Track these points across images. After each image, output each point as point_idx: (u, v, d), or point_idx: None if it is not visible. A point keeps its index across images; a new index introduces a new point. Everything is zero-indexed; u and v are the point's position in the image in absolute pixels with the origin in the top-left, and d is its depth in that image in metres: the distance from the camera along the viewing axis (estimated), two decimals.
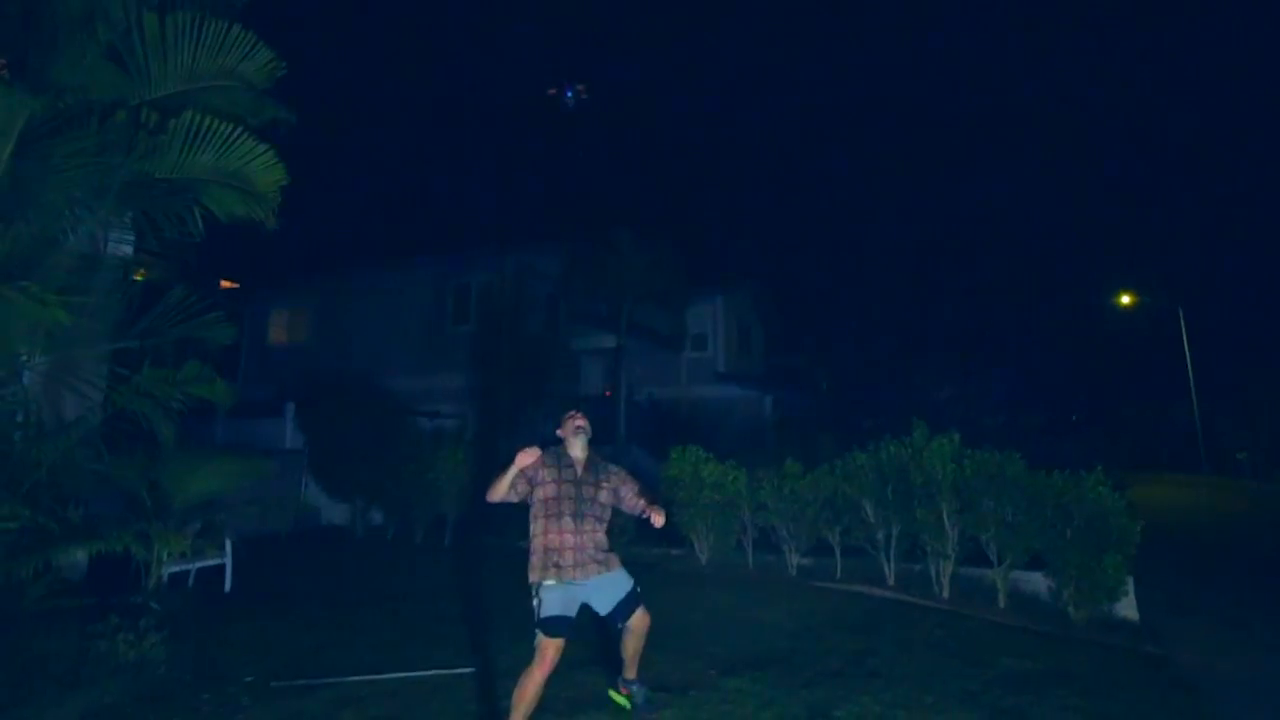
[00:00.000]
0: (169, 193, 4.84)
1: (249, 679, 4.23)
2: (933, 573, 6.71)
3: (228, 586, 6.59)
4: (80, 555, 5.44)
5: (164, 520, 5.48)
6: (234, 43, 4.66)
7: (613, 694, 3.87)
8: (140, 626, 4.34)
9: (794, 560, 7.54)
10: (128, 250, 6.49)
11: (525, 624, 5.42)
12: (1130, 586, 6.13)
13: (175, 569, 6.08)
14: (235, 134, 4.79)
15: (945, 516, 6.53)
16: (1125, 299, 28.73)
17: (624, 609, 3.57)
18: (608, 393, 18.13)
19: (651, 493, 3.80)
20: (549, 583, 3.43)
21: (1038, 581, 6.58)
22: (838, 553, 7.37)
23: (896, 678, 4.36)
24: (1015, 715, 3.82)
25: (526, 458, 3.53)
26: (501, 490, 3.56)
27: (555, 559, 3.47)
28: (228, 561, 6.64)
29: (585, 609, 3.58)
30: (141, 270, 7.74)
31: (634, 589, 3.63)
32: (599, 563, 3.55)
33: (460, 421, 13.59)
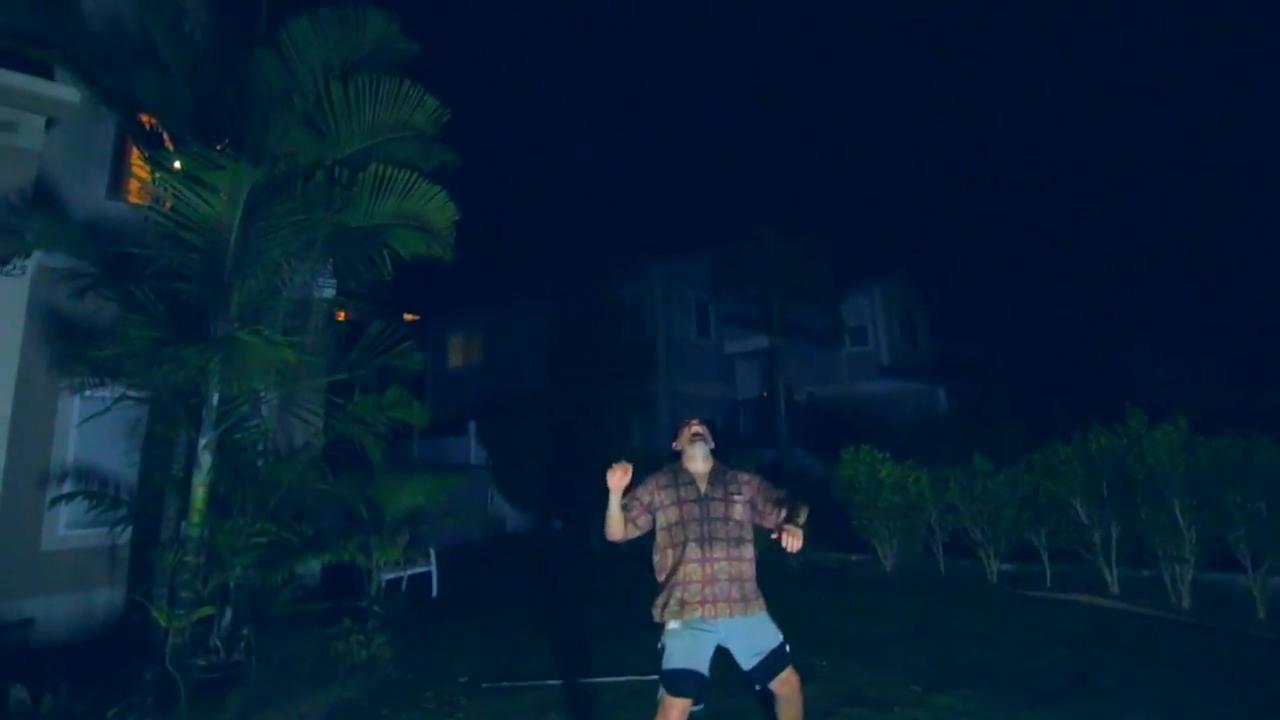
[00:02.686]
0: (362, 239, 5.38)
1: (463, 679, 4.56)
2: (1167, 580, 5.84)
3: (434, 591, 7.20)
4: (315, 565, 6.20)
5: (379, 532, 6.08)
6: (405, 96, 5.10)
7: None
8: (369, 629, 4.84)
9: (993, 566, 6.91)
10: (330, 293, 7.35)
11: None
12: None
13: (390, 576, 6.73)
14: (412, 180, 5.24)
15: (1179, 514, 5.67)
16: None
17: (767, 668, 2.85)
18: (765, 395, 17.81)
19: (793, 499, 3.08)
20: (672, 625, 2.85)
21: None
22: (1045, 558, 6.65)
23: (1139, 700, 3.81)
24: None
25: (617, 477, 2.86)
26: (617, 526, 2.96)
27: (680, 595, 2.87)
28: (433, 569, 7.27)
29: (724, 654, 2.92)
30: (342, 311, 8.73)
31: (782, 645, 2.89)
32: (734, 600, 2.87)
33: (624, 430, 13.95)
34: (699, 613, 2.83)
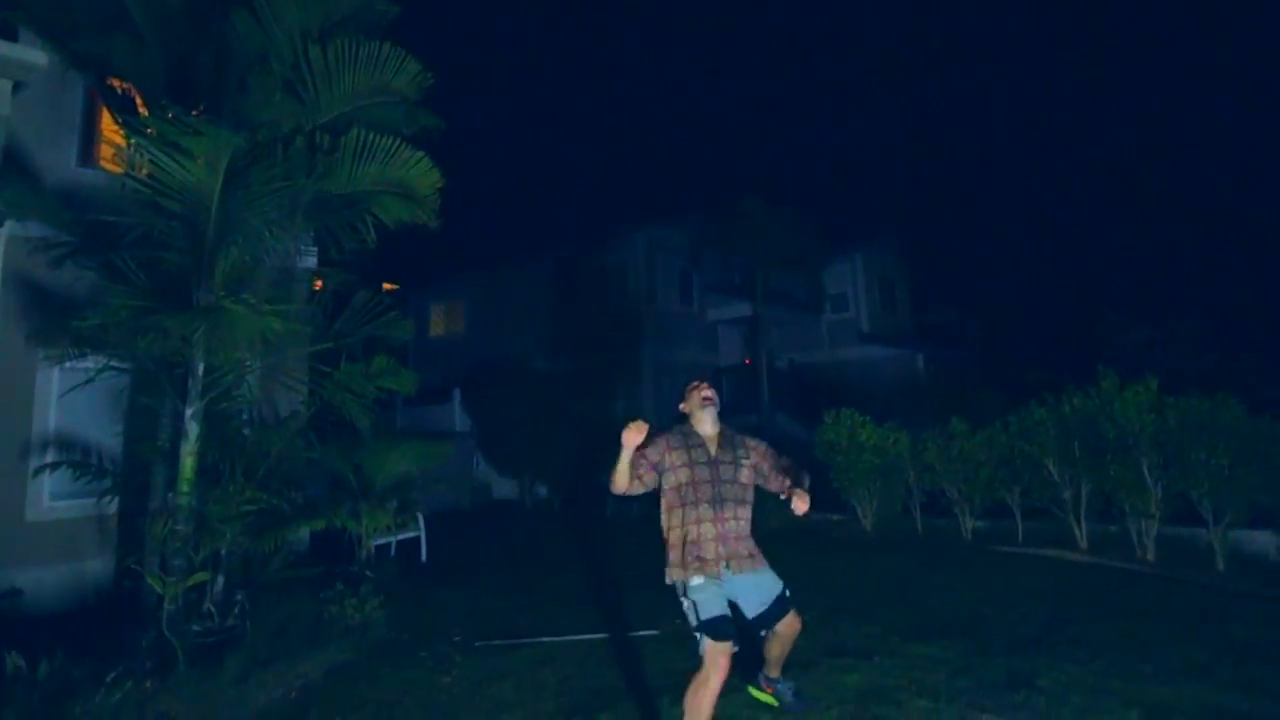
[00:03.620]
0: (345, 206, 5.32)
1: (456, 638, 4.67)
2: (1133, 534, 6.09)
3: (424, 556, 7.30)
4: (304, 532, 6.25)
5: (368, 499, 6.14)
6: (386, 59, 5.00)
7: (754, 692, 3.43)
8: (361, 593, 4.92)
9: (968, 524, 7.14)
10: (313, 262, 7.27)
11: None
12: None
13: (379, 541, 6.80)
14: (395, 145, 5.17)
15: (1146, 472, 5.89)
16: None
17: (774, 613, 3.05)
18: (747, 361, 17.97)
19: (798, 467, 3.25)
20: (696, 581, 2.97)
21: (1265, 541, 5.82)
22: (1018, 515, 6.89)
23: (1105, 645, 4.01)
24: (1258, 691, 3.38)
25: (633, 435, 2.95)
26: (623, 481, 3.04)
27: (696, 553, 3.01)
28: (422, 534, 7.36)
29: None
30: (319, 279, 8.65)
31: (784, 591, 3.09)
32: (744, 557, 3.05)
33: (608, 397, 14.03)
34: (717, 570, 2.99)
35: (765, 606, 3.04)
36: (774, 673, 3.35)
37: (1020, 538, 6.79)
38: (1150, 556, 5.95)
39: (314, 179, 5.00)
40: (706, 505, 3.05)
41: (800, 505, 2.99)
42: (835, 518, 8.04)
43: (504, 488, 11.87)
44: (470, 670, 4.13)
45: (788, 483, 3.17)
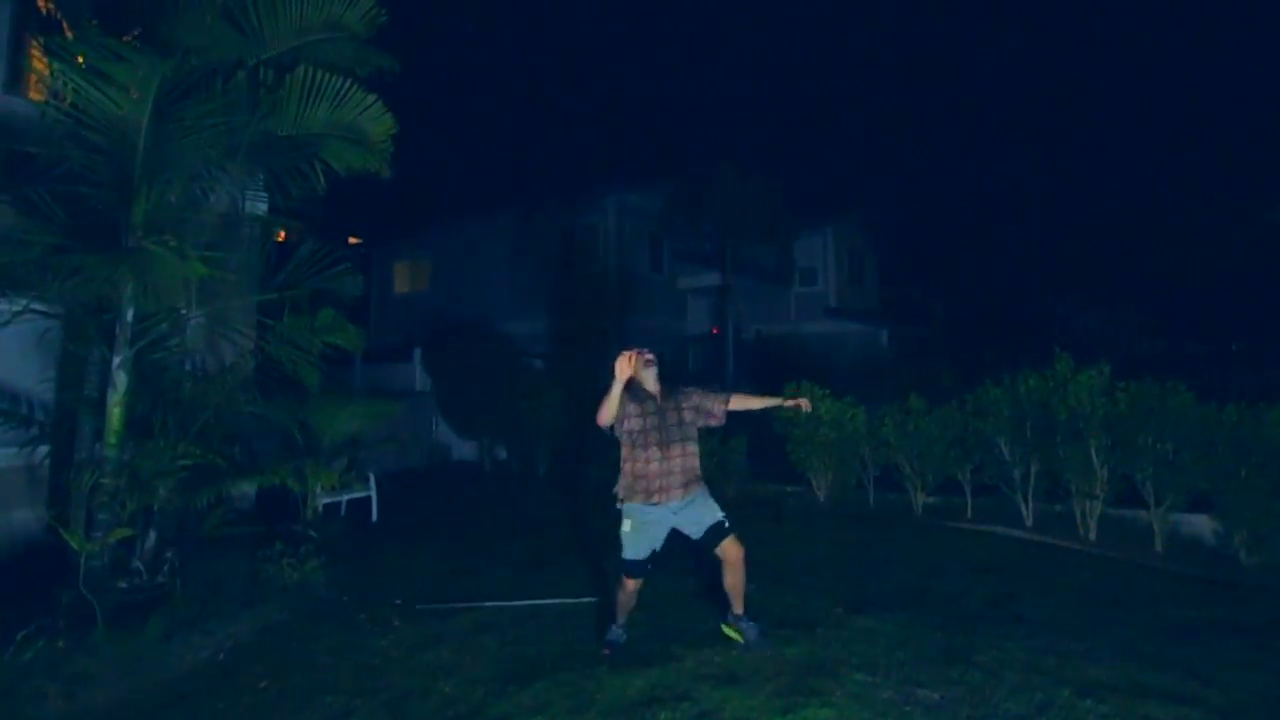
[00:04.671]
0: (291, 149, 5.03)
1: (398, 601, 4.57)
2: (1078, 514, 6.21)
3: (374, 516, 7.16)
4: (249, 488, 6.05)
5: (315, 457, 5.96)
6: None
7: (725, 628, 3.84)
8: (301, 552, 4.78)
9: (920, 499, 7.22)
10: (262, 209, 6.92)
11: None
12: None
13: (328, 500, 6.64)
14: (346, 86, 4.90)
15: (1094, 454, 5.98)
16: None
17: (712, 538, 3.64)
18: (715, 331, 17.93)
19: (732, 392, 3.94)
20: (634, 504, 3.63)
21: (1201, 524, 5.96)
22: (968, 492, 6.98)
23: (1042, 623, 4.08)
24: (1183, 668, 3.46)
25: (625, 365, 3.43)
26: (613, 409, 3.48)
27: (643, 485, 3.62)
28: (373, 494, 7.21)
29: (677, 535, 3.72)
30: (281, 230, 8.28)
31: (723, 519, 3.68)
32: (684, 486, 3.66)
33: (572, 361, 13.90)
34: (658, 499, 3.61)
35: (705, 528, 3.64)
36: (737, 608, 3.76)
37: (969, 513, 6.90)
38: (1093, 536, 6.08)
39: (257, 117, 4.71)
40: (655, 447, 3.64)
41: (804, 403, 3.99)
42: (790, 489, 8.07)
43: (463, 449, 11.71)
44: (408, 633, 4.04)
45: (728, 397, 3.86)
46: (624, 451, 3.75)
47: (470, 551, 5.95)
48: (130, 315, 4.26)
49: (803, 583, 4.81)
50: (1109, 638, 3.87)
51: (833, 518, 7.11)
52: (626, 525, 3.67)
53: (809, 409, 4.04)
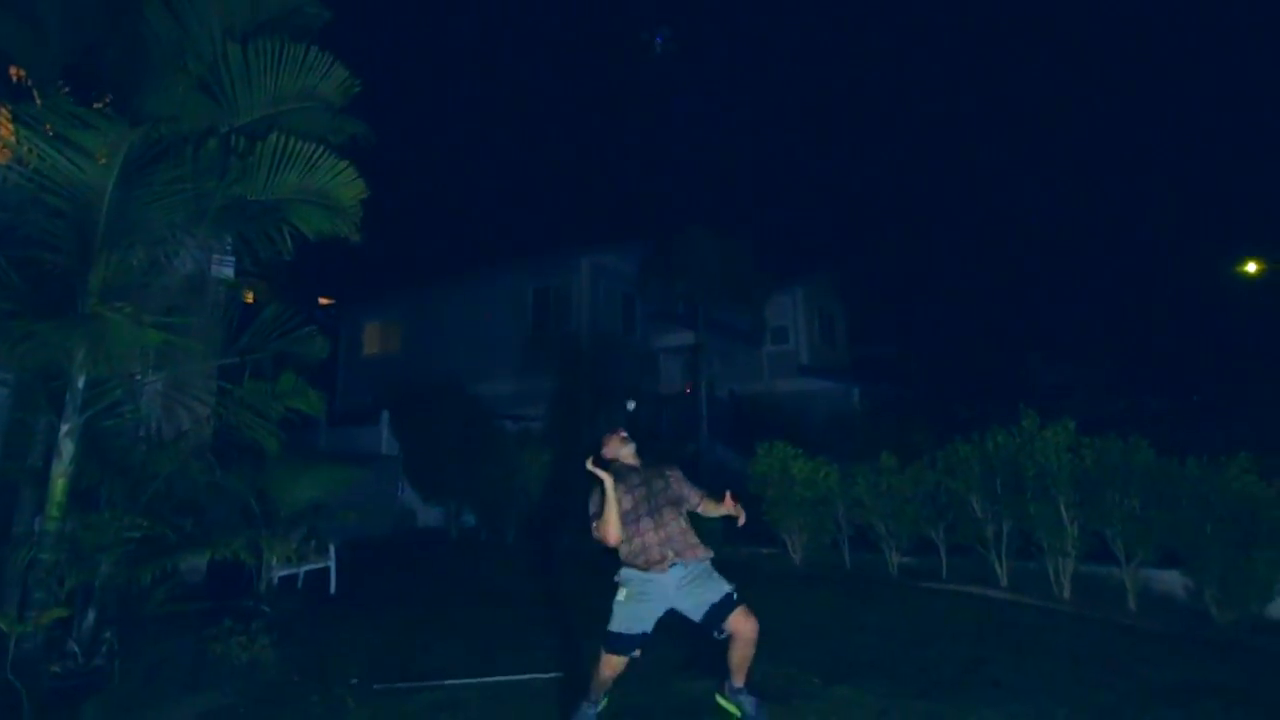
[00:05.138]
0: (260, 213, 5.02)
1: (354, 681, 4.32)
2: (1051, 572, 6.20)
3: (333, 589, 6.85)
4: (199, 561, 5.77)
5: (272, 527, 5.72)
6: (312, 64, 4.79)
7: (720, 699, 3.64)
8: (252, 629, 4.53)
9: (895, 559, 7.16)
10: (229, 273, 6.87)
11: None
12: None
13: (284, 572, 6.35)
14: (317, 153, 4.93)
15: (1063, 510, 6.01)
16: (1251, 267, 26.07)
17: (719, 611, 3.36)
18: (688, 389, 17.96)
19: (719, 492, 3.70)
20: (633, 571, 3.43)
21: (1172, 580, 5.97)
22: (943, 551, 6.94)
23: (1021, 689, 3.99)
24: None
25: (607, 476, 3.44)
26: (615, 523, 3.43)
27: (643, 558, 3.44)
28: (332, 565, 6.91)
29: (676, 614, 3.46)
30: (250, 291, 8.19)
31: (730, 590, 3.44)
32: (688, 549, 3.47)
33: (545, 424, 13.76)
34: (662, 567, 3.38)
35: (708, 607, 3.37)
36: (738, 681, 3.53)
37: (944, 573, 6.84)
38: (1067, 594, 6.05)
39: (227, 183, 4.71)
40: (647, 518, 3.51)
41: (740, 515, 3.57)
42: (766, 551, 7.96)
43: (429, 515, 11.39)
44: (364, 715, 3.80)
45: (701, 499, 3.70)
46: (624, 535, 3.57)
47: (433, 625, 5.69)
48: (81, 382, 4.12)
49: (777, 650, 4.65)
50: (1088, 702, 3.80)
51: (808, 580, 6.99)
52: (621, 594, 3.45)
53: (743, 522, 3.63)
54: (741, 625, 3.37)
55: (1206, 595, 5.56)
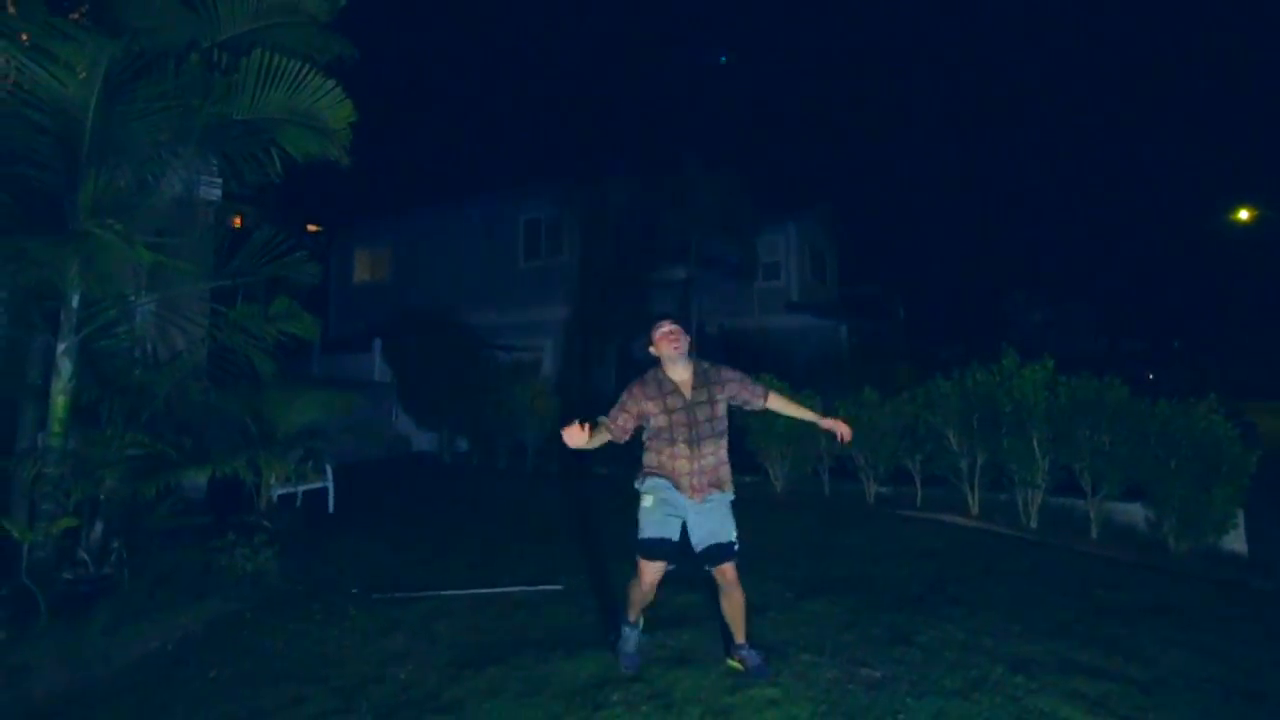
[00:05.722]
0: (247, 134, 4.95)
1: (354, 590, 4.56)
2: (1020, 503, 6.47)
3: (331, 507, 7.09)
4: (200, 479, 5.93)
5: (269, 447, 5.86)
6: None
7: (729, 662, 3.46)
8: (255, 542, 4.72)
9: (872, 488, 7.44)
10: (217, 194, 6.77)
11: (602, 547, 5.65)
12: (1240, 519, 5.75)
13: (283, 491, 6.55)
14: (303, 71, 4.80)
15: (1036, 445, 6.23)
16: (1244, 214, 25.98)
17: (717, 553, 3.25)
18: None
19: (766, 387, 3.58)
20: (658, 479, 3.25)
21: (1135, 512, 6.25)
22: (918, 481, 7.21)
23: (981, 605, 4.27)
24: (1110, 646, 3.67)
25: (576, 439, 3.15)
26: (604, 438, 3.26)
27: (671, 474, 3.28)
28: (329, 485, 7.13)
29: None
30: (239, 216, 8.07)
31: (734, 541, 3.30)
32: (714, 485, 3.30)
33: (536, 354, 13.87)
34: (682, 491, 3.24)
35: (713, 541, 3.25)
36: (738, 638, 3.42)
37: (919, 502, 7.13)
38: (1033, 524, 6.35)
39: (211, 101, 4.61)
40: (683, 444, 3.25)
41: (845, 434, 3.56)
42: (749, 479, 8.21)
43: (423, 440, 11.63)
44: (363, 622, 4.04)
45: (768, 394, 3.54)
46: (649, 448, 3.35)
47: (427, 541, 5.94)
48: (76, 301, 4.16)
49: (757, 569, 4.90)
50: (1043, 618, 4.07)
51: (788, 506, 7.28)
52: (647, 500, 3.26)
53: (848, 440, 3.59)
54: (723, 574, 3.28)
55: (1165, 527, 5.84)
